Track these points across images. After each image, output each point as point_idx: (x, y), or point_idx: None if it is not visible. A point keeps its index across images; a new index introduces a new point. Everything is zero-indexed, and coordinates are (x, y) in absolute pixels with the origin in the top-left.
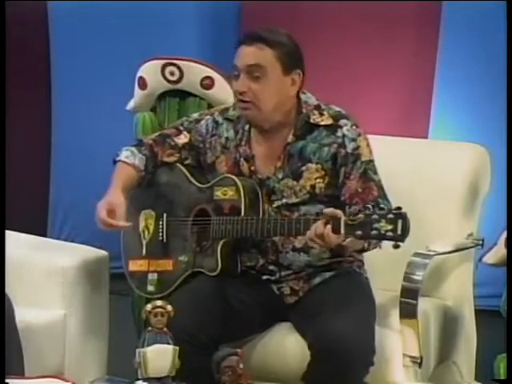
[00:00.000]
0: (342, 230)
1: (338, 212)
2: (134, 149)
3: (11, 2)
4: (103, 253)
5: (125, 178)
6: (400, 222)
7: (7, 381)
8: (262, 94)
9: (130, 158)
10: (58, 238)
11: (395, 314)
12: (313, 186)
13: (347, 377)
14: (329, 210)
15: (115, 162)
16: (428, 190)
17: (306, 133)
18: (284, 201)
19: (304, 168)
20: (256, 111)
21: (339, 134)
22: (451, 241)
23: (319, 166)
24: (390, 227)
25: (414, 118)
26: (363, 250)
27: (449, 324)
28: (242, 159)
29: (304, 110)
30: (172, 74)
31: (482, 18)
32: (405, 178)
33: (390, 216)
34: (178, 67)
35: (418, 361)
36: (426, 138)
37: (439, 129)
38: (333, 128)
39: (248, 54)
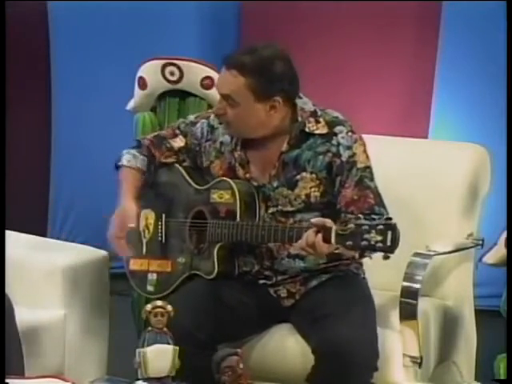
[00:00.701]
0: (333, 240)
1: (328, 221)
2: (134, 151)
3: (11, 2)
4: (103, 253)
5: (133, 183)
6: (390, 234)
7: (7, 381)
8: (237, 119)
9: (131, 161)
10: (57, 238)
11: (395, 314)
12: (308, 195)
13: (352, 380)
14: (318, 220)
15: (117, 166)
16: (428, 190)
17: (301, 141)
18: (279, 208)
19: (299, 177)
20: (235, 131)
21: (334, 142)
22: (451, 241)
23: (314, 175)
24: (379, 238)
25: (414, 118)
26: (359, 258)
27: (449, 324)
28: (237, 164)
29: (300, 118)
30: (172, 74)
31: (482, 18)
32: (405, 178)
33: (380, 227)
34: (178, 67)
35: (418, 361)
36: (426, 137)
37: (439, 129)
38: (328, 136)
39: (222, 82)
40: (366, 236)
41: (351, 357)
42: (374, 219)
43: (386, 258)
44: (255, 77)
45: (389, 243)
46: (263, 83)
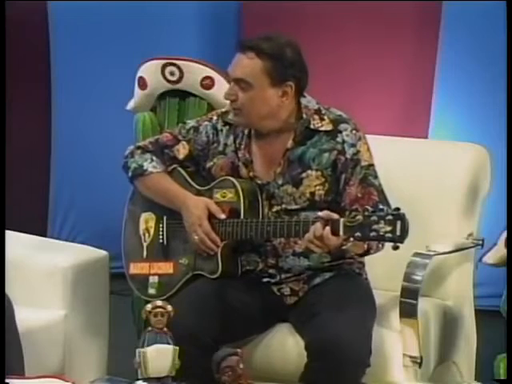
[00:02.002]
0: (341, 232)
1: (334, 214)
2: (148, 156)
3: (11, 2)
4: (103, 253)
5: (174, 183)
6: (399, 223)
7: (7, 381)
8: (249, 103)
9: (157, 167)
10: (58, 238)
11: (395, 314)
12: (312, 193)
13: (342, 377)
14: (325, 213)
15: (137, 175)
16: (428, 190)
17: (306, 138)
18: (283, 206)
19: (304, 175)
20: (245, 119)
21: (339, 139)
22: (451, 241)
23: (319, 172)
24: (388, 228)
25: (414, 118)
26: (365, 254)
27: (449, 324)
28: (240, 163)
29: (304, 115)
30: (172, 74)
31: (482, 18)
32: (405, 178)
33: (389, 217)
34: (178, 67)
35: (418, 361)
36: (426, 137)
37: (439, 129)
38: (333, 133)
39: (237, 65)
40: (375, 227)
41: (341, 354)
42: (381, 210)
43: (395, 248)
44: (272, 60)
45: (398, 233)
46: (279, 67)
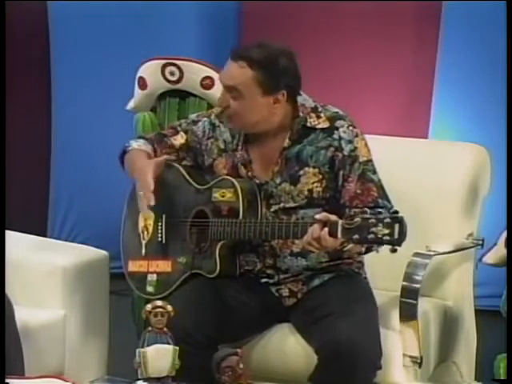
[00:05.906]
0: (339, 234)
1: (332, 216)
2: (141, 140)
3: (11, 2)
4: (103, 253)
5: (145, 159)
6: (397, 226)
7: (7, 381)
8: (240, 111)
9: (142, 146)
10: (58, 238)
11: (395, 314)
12: (310, 191)
13: (355, 380)
14: (322, 215)
15: (124, 152)
16: (428, 190)
17: (303, 136)
18: (282, 205)
19: (301, 172)
20: (238, 125)
21: (336, 136)
22: (451, 241)
23: (316, 170)
24: (387, 231)
25: (414, 118)
26: (365, 253)
27: (449, 324)
28: (239, 163)
29: (301, 114)
30: (172, 74)
31: (482, 18)
32: (405, 179)
33: (387, 220)
34: (178, 67)
35: (418, 361)
36: (426, 138)
37: (439, 129)
38: (329, 130)
39: (228, 73)
40: (373, 229)
41: (355, 357)
42: (380, 213)
43: (393, 251)
44: (263, 70)
45: (396, 236)
46: (270, 77)
